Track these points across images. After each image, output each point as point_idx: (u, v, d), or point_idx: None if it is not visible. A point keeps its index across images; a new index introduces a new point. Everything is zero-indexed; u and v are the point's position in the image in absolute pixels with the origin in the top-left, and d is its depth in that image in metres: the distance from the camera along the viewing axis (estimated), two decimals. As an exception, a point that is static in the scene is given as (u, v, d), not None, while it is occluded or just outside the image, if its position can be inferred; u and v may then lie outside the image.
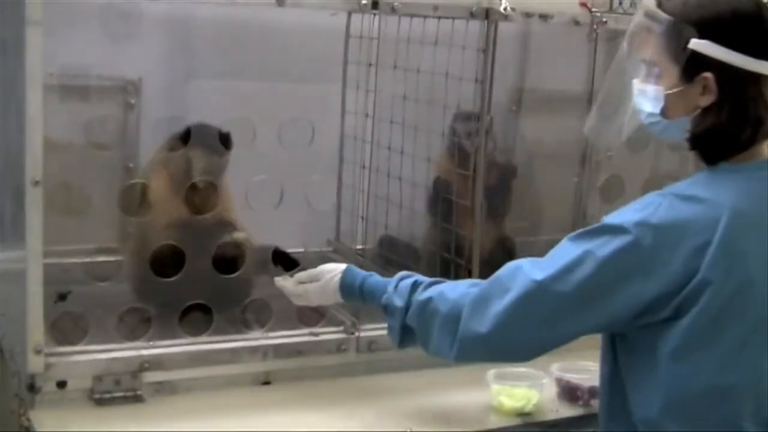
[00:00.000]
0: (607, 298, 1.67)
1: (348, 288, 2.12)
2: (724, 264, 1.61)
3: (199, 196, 2.41)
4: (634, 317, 1.67)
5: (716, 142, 1.70)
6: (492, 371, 2.26)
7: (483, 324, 1.78)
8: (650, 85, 1.74)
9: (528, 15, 2.46)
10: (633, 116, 1.82)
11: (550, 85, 3.17)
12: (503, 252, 2.85)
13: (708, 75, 1.66)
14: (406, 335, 2.01)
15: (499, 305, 1.76)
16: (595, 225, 1.72)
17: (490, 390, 2.23)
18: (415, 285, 1.99)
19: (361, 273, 2.13)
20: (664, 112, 1.73)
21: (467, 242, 2.52)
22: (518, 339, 1.78)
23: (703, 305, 1.61)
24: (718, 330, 1.63)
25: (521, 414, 2.21)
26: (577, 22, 2.54)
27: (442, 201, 2.64)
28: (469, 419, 2.19)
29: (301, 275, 2.24)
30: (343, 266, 2.17)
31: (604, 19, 2.52)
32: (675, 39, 1.68)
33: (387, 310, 2.03)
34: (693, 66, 1.67)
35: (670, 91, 1.71)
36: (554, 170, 2.98)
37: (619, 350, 1.79)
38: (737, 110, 1.67)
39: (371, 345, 2.39)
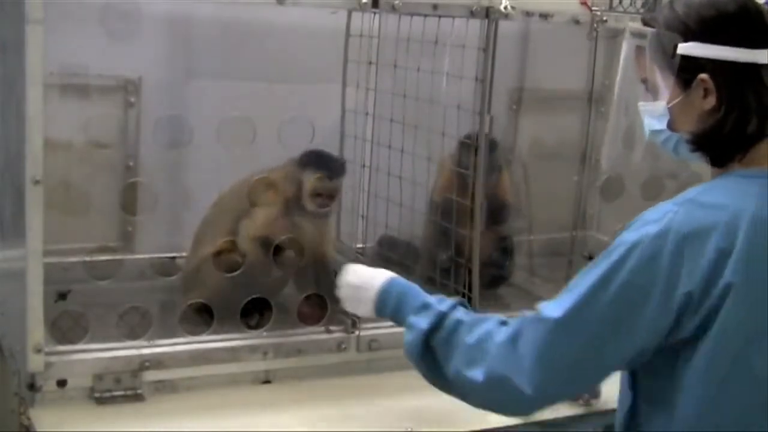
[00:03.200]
0: (632, 321, 1.60)
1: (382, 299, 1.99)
2: (746, 272, 1.56)
3: (307, 220, 2.46)
4: (664, 336, 1.60)
5: (721, 140, 1.67)
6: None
7: (510, 368, 1.67)
8: (652, 102, 1.72)
9: (528, 14, 2.46)
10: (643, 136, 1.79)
11: (551, 84, 3.17)
12: (502, 250, 2.86)
13: (704, 76, 1.64)
14: (425, 354, 1.87)
15: (524, 351, 1.66)
16: (610, 246, 1.65)
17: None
18: (444, 312, 1.85)
19: (393, 295, 1.97)
20: (671, 126, 1.71)
21: (467, 241, 2.52)
22: (546, 384, 1.65)
23: (727, 316, 1.56)
24: (743, 350, 1.58)
25: (521, 412, 2.21)
26: (577, 21, 2.54)
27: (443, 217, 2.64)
28: (469, 418, 2.19)
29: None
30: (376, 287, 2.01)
31: (604, 18, 2.52)
32: (663, 49, 1.68)
33: (411, 328, 1.88)
34: (687, 71, 1.66)
35: (671, 103, 1.69)
36: (554, 169, 2.98)
37: (640, 387, 1.71)
38: (739, 104, 1.64)
39: (371, 344, 2.39)
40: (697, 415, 1.61)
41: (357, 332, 2.38)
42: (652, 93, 1.72)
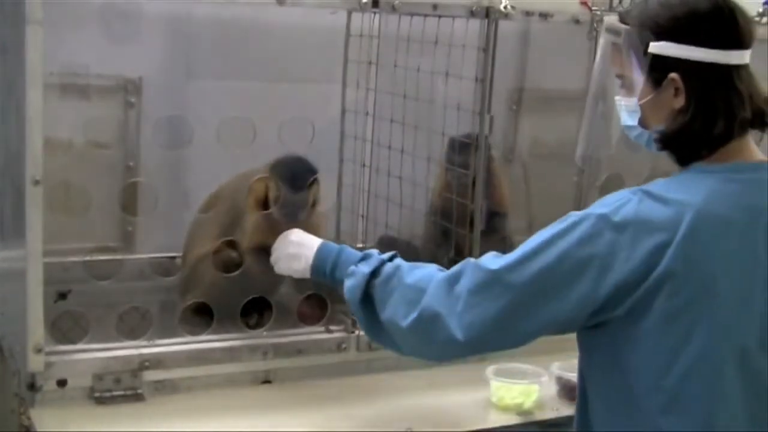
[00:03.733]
0: (562, 290, 1.64)
1: (321, 261, 2.09)
2: (684, 263, 1.58)
3: (279, 229, 2.35)
4: (590, 315, 1.64)
5: (688, 140, 1.67)
6: (491, 367, 2.27)
7: (443, 306, 1.75)
8: (626, 98, 1.74)
9: (528, 13, 2.46)
10: (617, 130, 1.84)
11: (551, 83, 3.17)
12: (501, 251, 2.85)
13: (674, 76, 1.64)
14: (365, 301, 1.95)
15: (459, 293, 1.74)
16: (563, 217, 1.71)
17: (490, 386, 2.24)
18: (384, 260, 1.97)
19: (334, 249, 2.09)
20: (643, 123, 1.72)
21: (467, 241, 2.52)
22: (474, 330, 1.71)
23: (668, 302, 1.58)
24: (679, 335, 1.60)
25: (520, 411, 2.21)
26: (577, 21, 2.54)
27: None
28: (469, 418, 2.20)
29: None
30: (317, 243, 2.13)
31: (604, 18, 2.52)
32: (636, 47, 1.69)
33: (353, 274, 1.97)
34: (658, 70, 1.66)
35: (643, 101, 1.70)
36: (554, 169, 2.98)
37: (584, 364, 1.76)
38: (707, 105, 1.65)
39: (371, 344, 2.39)
40: (646, 394, 1.63)
41: (357, 332, 2.38)
42: (627, 89, 1.74)
